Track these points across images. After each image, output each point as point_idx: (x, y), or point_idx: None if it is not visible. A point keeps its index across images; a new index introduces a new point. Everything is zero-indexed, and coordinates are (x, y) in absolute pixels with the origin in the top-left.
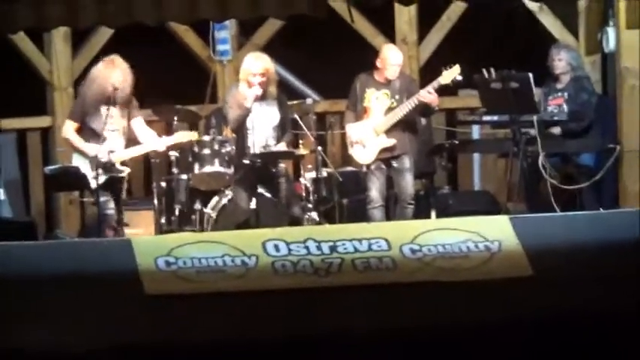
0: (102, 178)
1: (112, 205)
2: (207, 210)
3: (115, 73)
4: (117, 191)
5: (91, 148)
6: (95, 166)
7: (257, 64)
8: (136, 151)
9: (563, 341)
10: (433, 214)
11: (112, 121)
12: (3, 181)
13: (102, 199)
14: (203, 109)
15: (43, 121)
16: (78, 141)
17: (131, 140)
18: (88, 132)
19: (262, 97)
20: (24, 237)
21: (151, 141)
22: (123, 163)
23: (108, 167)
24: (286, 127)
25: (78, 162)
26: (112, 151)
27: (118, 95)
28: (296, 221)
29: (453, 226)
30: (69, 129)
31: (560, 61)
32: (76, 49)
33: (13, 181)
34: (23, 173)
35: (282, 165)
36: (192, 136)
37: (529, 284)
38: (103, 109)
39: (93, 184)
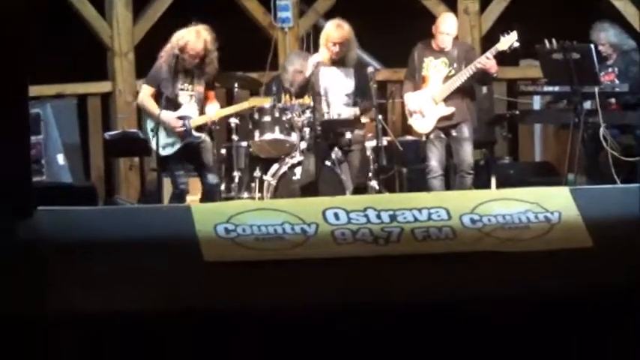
0: (176, 147)
1: (185, 180)
2: (267, 177)
3: (202, 44)
4: (199, 158)
5: (165, 115)
6: (179, 132)
7: (337, 32)
8: (212, 115)
9: (623, 313)
10: (493, 184)
11: (189, 87)
12: (63, 147)
13: (177, 172)
14: (264, 77)
15: (103, 87)
16: (153, 107)
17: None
18: (163, 98)
19: (340, 64)
20: (83, 202)
21: (228, 108)
22: (199, 129)
23: (185, 134)
24: (365, 96)
25: (151, 128)
26: (186, 117)
27: (203, 65)
28: (359, 191)
29: (513, 197)
30: (145, 94)
31: (603, 45)
32: (137, 14)
33: (74, 146)
34: (83, 138)
35: (357, 132)
36: (264, 101)
37: (589, 255)
38: (182, 75)
39: (168, 152)
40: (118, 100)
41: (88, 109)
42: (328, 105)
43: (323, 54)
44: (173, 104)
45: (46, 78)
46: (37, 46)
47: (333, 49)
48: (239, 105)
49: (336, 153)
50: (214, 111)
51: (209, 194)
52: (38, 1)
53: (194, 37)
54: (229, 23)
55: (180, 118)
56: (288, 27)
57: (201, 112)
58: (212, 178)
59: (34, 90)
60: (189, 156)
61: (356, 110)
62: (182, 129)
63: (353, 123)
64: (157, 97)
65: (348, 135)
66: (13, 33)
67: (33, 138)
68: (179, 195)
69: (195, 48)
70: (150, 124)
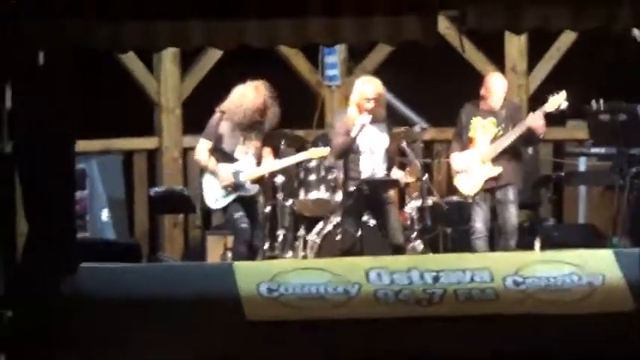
0: (230, 198)
1: (245, 220)
2: (311, 236)
3: (261, 98)
4: (251, 212)
5: (223, 168)
6: (227, 185)
7: (371, 88)
8: (268, 168)
9: None
10: (537, 246)
11: (247, 142)
12: (108, 202)
13: (236, 215)
14: (310, 134)
15: (150, 143)
16: (211, 161)
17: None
18: (219, 152)
19: (373, 120)
20: (127, 259)
21: (284, 159)
22: (254, 182)
23: (237, 187)
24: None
25: (209, 182)
26: (241, 171)
27: (263, 120)
28: (400, 250)
29: (556, 259)
30: (203, 149)
31: None
32: (185, 70)
33: (118, 202)
34: (128, 194)
35: (390, 192)
36: (324, 152)
37: (632, 319)
38: (239, 131)
39: (221, 204)
40: (164, 156)
41: (134, 165)
42: (365, 165)
43: (352, 113)
44: (230, 158)
45: (92, 133)
46: (84, 101)
47: (367, 106)
48: (298, 155)
49: (375, 212)
50: (268, 164)
51: (250, 255)
52: (86, 57)
53: (254, 93)
54: (276, 80)
55: (235, 172)
56: (335, 85)
57: (258, 166)
58: (256, 239)
59: (80, 145)
60: (245, 207)
61: (397, 171)
62: (231, 182)
63: (395, 183)
64: (214, 151)
65: (382, 195)
66: (60, 89)
67: (78, 193)
68: (237, 234)
69: (256, 103)
70: (206, 178)
